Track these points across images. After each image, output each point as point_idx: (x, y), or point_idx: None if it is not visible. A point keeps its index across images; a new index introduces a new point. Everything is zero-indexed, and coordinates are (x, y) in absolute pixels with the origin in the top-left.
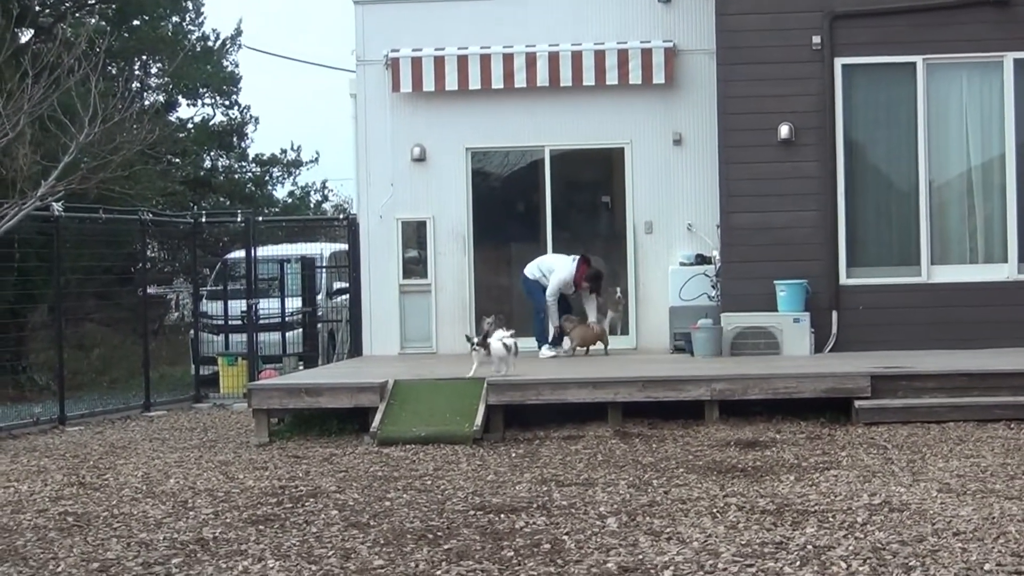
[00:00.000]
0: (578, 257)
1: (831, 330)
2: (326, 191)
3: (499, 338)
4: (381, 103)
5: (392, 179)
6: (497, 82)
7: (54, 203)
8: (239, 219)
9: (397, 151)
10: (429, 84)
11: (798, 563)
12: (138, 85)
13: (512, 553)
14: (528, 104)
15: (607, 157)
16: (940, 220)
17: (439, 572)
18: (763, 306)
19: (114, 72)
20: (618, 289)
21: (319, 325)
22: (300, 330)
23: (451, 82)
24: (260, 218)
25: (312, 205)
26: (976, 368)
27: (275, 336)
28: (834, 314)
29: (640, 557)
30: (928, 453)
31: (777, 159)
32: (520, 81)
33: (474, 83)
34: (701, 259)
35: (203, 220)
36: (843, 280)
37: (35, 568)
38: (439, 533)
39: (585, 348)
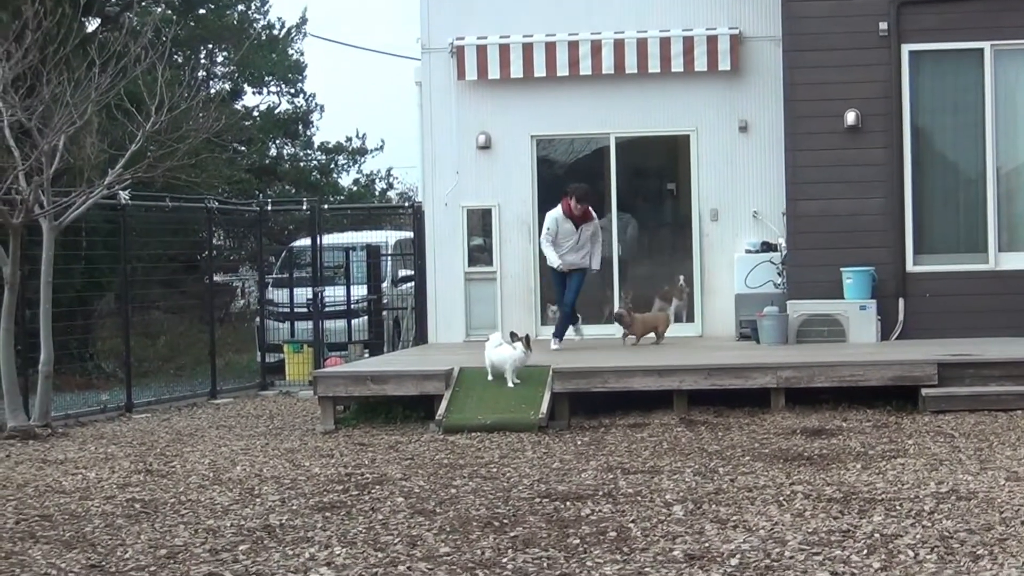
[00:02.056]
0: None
1: (897, 317)
2: (391, 179)
3: (495, 344)
4: (446, 91)
5: (457, 167)
6: (562, 69)
7: (121, 191)
8: (304, 207)
9: (462, 139)
10: (494, 72)
11: (865, 551)
12: (204, 74)
13: (578, 541)
14: (593, 91)
15: (673, 144)
16: (1008, 207)
17: (505, 559)
18: (829, 293)
19: (180, 61)
20: (681, 277)
21: (384, 312)
22: (365, 317)
23: (516, 70)
24: (325, 206)
25: (377, 193)
26: None
27: (340, 323)
28: (900, 301)
29: (706, 545)
30: (995, 441)
31: (843, 146)
32: (585, 68)
33: (539, 71)
34: (767, 246)
35: (269, 208)
36: (910, 267)
37: (103, 554)
38: (505, 520)
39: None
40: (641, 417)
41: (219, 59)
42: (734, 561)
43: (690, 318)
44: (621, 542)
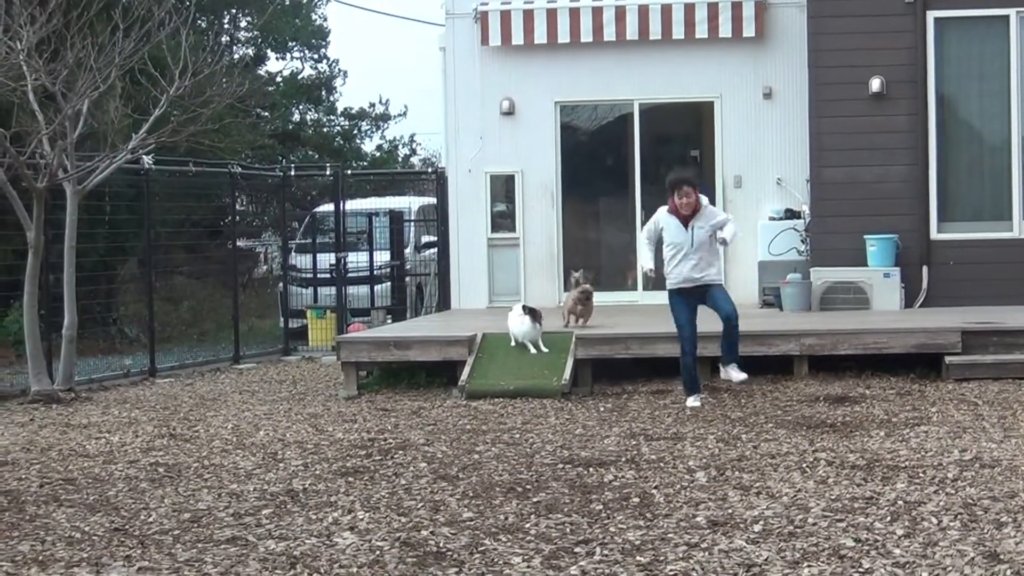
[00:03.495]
0: None
1: (921, 285)
2: (414, 144)
3: (517, 314)
4: (470, 56)
5: (481, 132)
6: (586, 35)
7: (144, 156)
8: (328, 172)
9: (486, 104)
10: (518, 37)
11: (888, 518)
12: (227, 39)
13: (601, 507)
14: (617, 57)
15: (696, 111)
16: None
17: (528, 525)
18: (853, 261)
19: (204, 26)
20: None
21: (407, 279)
22: (388, 283)
23: (540, 35)
24: (348, 171)
25: (400, 159)
26: None
27: (363, 289)
28: (924, 269)
29: (729, 511)
30: (1019, 409)
31: (868, 113)
32: (610, 34)
33: (563, 36)
34: (790, 213)
35: (292, 173)
36: (934, 235)
37: (127, 518)
38: (528, 486)
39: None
40: (664, 384)
41: (243, 24)
42: (757, 527)
43: None
44: (644, 508)
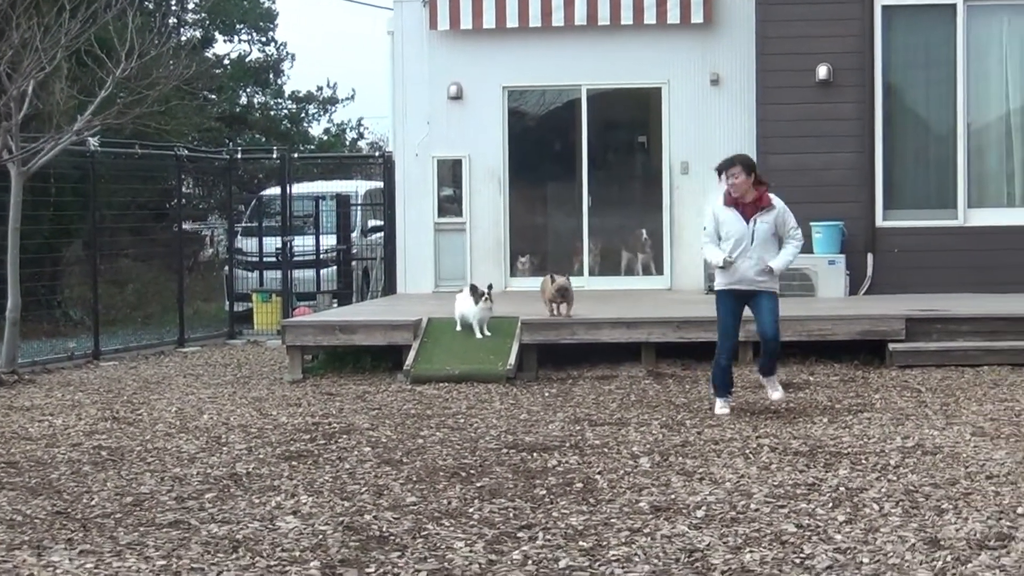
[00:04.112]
0: None
1: (866, 272)
2: (362, 128)
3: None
4: (418, 41)
5: (428, 117)
6: (535, 20)
7: (90, 138)
8: (274, 155)
9: (434, 89)
10: (467, 22)
11: (830, 504)
12: (175, 21)
13: (544, 491)
14: (565, 43)
15: (644, 97)
16: (978, 163)
17: (471, 509)
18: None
19: (151, 7)
20: (644, 231)
21: (353, 263)
22: (334, 267)
23: (488, 20)
24: (295, 155)
25: (348, 142)
26: (1011, 312)
27: (309, 273)
28: (869, 256)
29: (672, 497)
30: (962, 396)
31: (815, 100)
32: (558, 19)
33: (512, 21)
34: None
35: (238, 156)
36: (879, 222)
37: (69, 501)
38: (472, 471)
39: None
40: (609, 369)
41: (190, 6)
42: (700, 513)
43: (659, 271)
44: (587, 493)
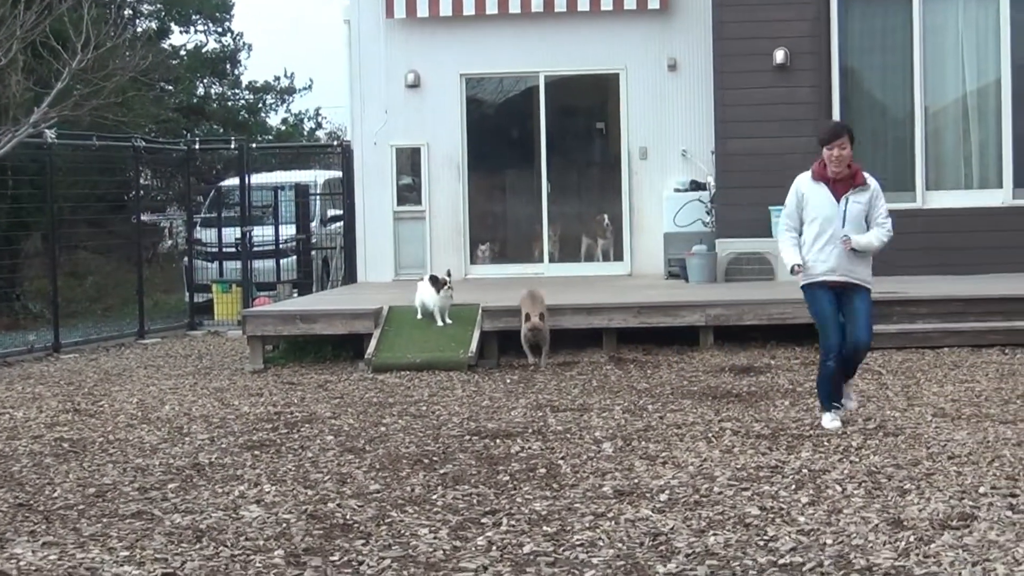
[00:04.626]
0: None
1: None
2: (320, 118)
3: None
4: (375, 29)
5: (386, 106)
6: (492, 7)
7: (47, 130)
8: (233, 146)
9: (391, 78)
10: (423, 10)
11: (793, 486)
12: (130, 12)
13: (508, 478)
14: (523, 30)
15: (602, 83)
16: (935, 146)
17: (435, 496)
18: (758, 232)
19: None
20: (605, 215)
21: (313, 252)
22: (294, 257)
23: (445, 7)
24: (254, 144)
25: (305, 132)
26: (970, 294)
27: (269, 263)
28: None
29: (636, 481)
30: (923, 378)
31: (772, 84)
32: (515, 7)
33: (468, 8)
34: (696, 185)
35: (197, 147)
36: None
37: (31, 493)
38: (435, 458)
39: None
40: (571, 355)
41: None
42: (663, 496)
43: (618, 257)
44: (551, 479)
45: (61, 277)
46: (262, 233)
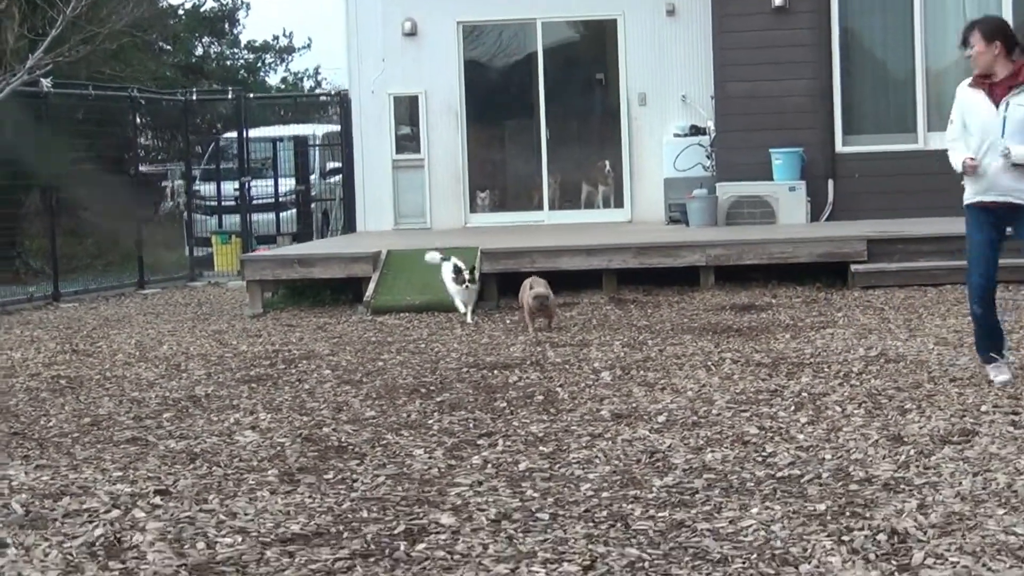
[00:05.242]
0: None
1: (827, 199)
2: (319, 77)
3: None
4: None
5: (383, 54)
6: None
7: (43, 79)
8: (230, 96)
9: (388, 25)
10: None
11: (792, 408)
12: None
13: (505, 404)
14: None
15: (600, 29)
16: (936, 85)
17: (431, 422)
18: (759, 175)
19: None
20: (606, 161)
21: (313, 205)
22: (293, 210)
23: None
24: (251, 95)
25: (304, 91)
26: None
27: (269, 216)
28: (830, 182)
29: (634, 405)
30: (925, 313)
31: (771, 27)
32: None
33: None
34: (696, 130)
35: (194, 99)
36: (839, 148)
37: (26, 424)
38: (432, 388)
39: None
40: (570, 297)
41: None
42: (661, 418)
43: (619, 203)
44: (548, 404)
45: (61, 235)
46: (261, 186)
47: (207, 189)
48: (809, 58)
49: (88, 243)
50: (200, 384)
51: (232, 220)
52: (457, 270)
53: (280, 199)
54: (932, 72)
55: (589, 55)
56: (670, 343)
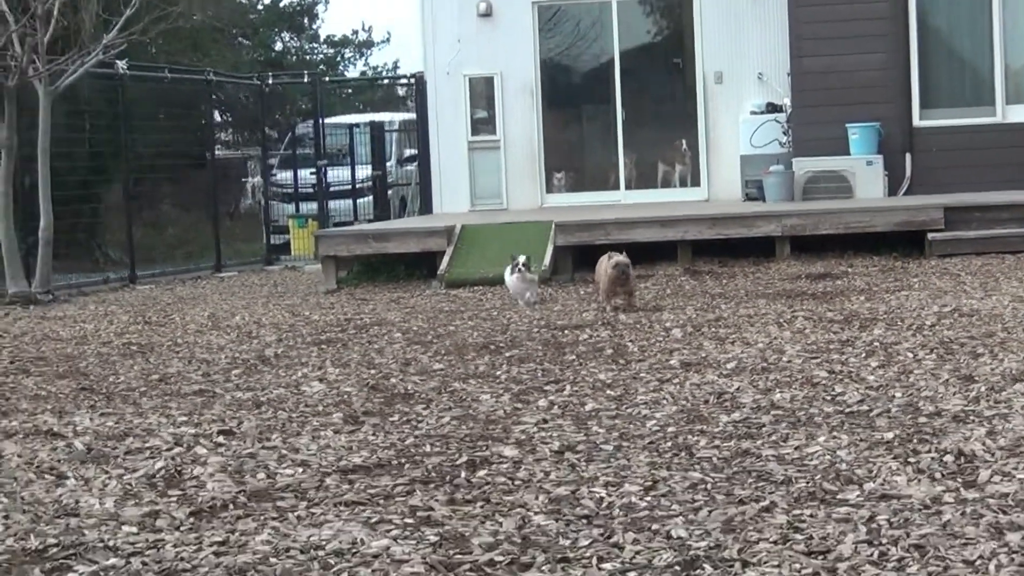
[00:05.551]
0: None
1: (904, 173)
2: (397, 71)
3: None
4: None
5: (459, 35)
6: None
7: (119, 61)
8: (306, 79)
9: (463, 6)
10: None
11: (864, 355)
12: None
13: (574, 357)
14: None
15: (675, 6)
16: (1015, 58)
17: (499, 373)
18: (835, 150)
19: None
20: (683, 141)
21: (390, 192)
22: (371, 197)
23: None
24: (327, 78)
25: (383, 86)
26: None
27: (346, 203)
28: (907, 157)
29: (703, 356)
30: (1002, 277)
31: (848, 1)
32: None
33: None
34: (772, 108)
35: (270, 83)
36: (916, 122)
37: (95, 381)
38: (501, 345)
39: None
40: (645, 269)
41: None
42: (730, 366)
43: (695, 182)
44: (618, 356)
45: (140, 228)
46: (338, 174)
47: (284, 176)
48: (885, 31)
49: (168, 234)
50: (270, 347)
51: (310, 207)
52: (512, 260)
53: (357, 186)
54: (1010, 45)
55: (665, 35)
56: (744, 306)
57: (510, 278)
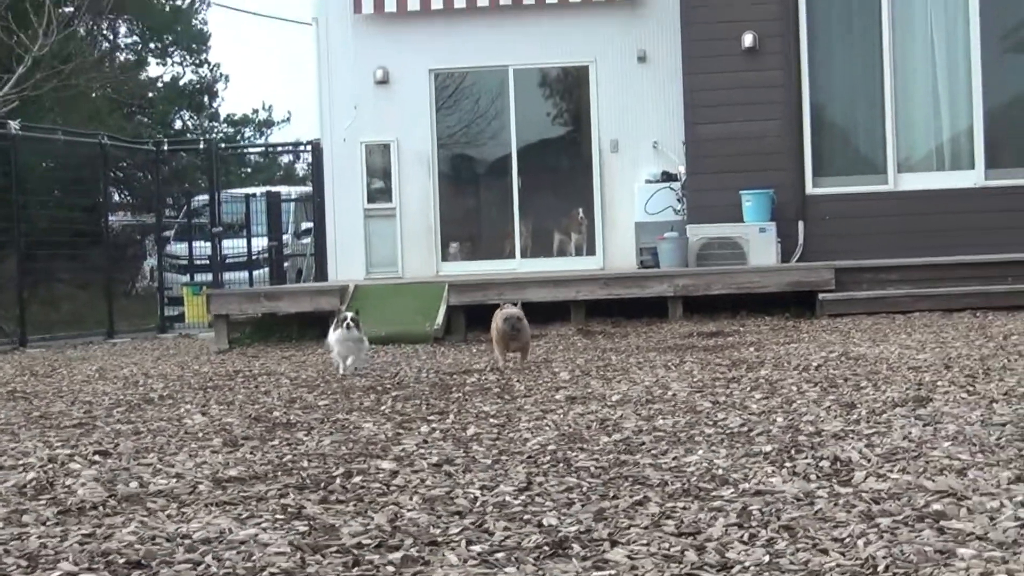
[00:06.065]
0: None
1: (797, 240)
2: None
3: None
4: (343, 25)
5: (355, 102)
6: (459, 1)
7: (11, 122)
8: (201, 144)
9: (360, 74)
10: (391, 5)
11: (748, 388)
12: (108, 44)
13: (460, 395)
14: (491, 23)
15: (572, 76)
16: (906, 127)
17: (384, 407)
18: (729, 217)
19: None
20: (580, 210)
21: (286, 264)
22: (267, 268)
23: (413, 2)
24: (223, 144)
25: (282, 164)
26: (941, 260)
27: (242, 274)
28: (800, 224)
29: (589, 392)
30: (891, 333)
31: (741, 68)
32: (483, 0)
33: (436, 3)
34: (667, 176)
35: (165, 148)
36: (809, 189)
37: None
38: (389, 387)
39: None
40: (538, 329)
41: (122, 30)
42: (615, 398)
43: (591, 251)
44: (504, 393)
45: (34, 303)
46: (234, 245)
47: (180, 247)
48: (779, 99)
49: (63, 311)
50: (155, 392)
51: (205, 278)
52: (338, 313)
53: (253, 256)
54: (901, 115)
55: (562, 104)
56: (634, 358)
57: (333, 335)
